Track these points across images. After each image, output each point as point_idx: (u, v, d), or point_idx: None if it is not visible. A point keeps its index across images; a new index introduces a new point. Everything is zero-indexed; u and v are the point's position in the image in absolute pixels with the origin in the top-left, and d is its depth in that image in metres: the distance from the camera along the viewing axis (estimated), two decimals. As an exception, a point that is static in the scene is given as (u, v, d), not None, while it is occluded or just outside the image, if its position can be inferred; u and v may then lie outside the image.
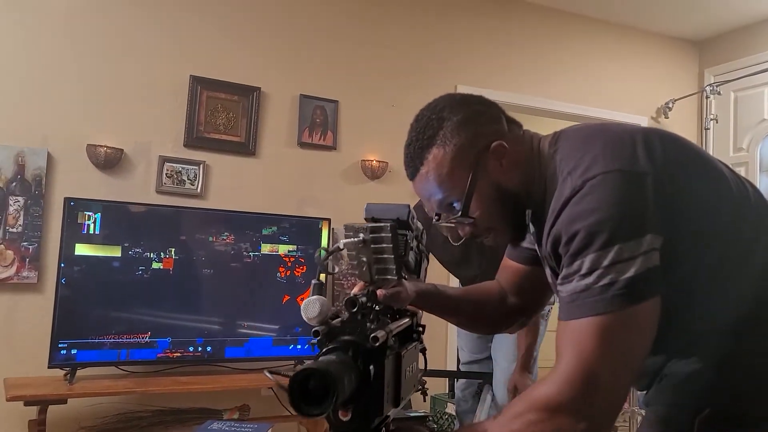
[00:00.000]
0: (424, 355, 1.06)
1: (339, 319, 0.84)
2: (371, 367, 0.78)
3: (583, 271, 0.80)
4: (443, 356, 3.56)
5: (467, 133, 0.96)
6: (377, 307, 0.85)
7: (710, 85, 4.40)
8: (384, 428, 0.89)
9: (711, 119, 4.41)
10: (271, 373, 0.67)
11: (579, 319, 0.80)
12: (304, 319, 0.81)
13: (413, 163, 0.99)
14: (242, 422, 1.66)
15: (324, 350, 0.77)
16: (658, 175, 0.84)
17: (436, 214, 1.04)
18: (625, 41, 4.41)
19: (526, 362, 2.27)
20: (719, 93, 4.34)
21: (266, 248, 3.04)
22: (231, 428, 1.57)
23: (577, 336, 0.80)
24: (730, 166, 0.99)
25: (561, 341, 0.82)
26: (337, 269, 0.90)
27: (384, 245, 0.86)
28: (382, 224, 0.86)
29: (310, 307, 0.81)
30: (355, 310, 0.82)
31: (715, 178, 0.92)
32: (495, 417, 0.88)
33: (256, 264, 3.01)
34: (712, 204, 0.89)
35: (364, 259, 0.87)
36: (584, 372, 0.78)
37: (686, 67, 4.62)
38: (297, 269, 3.09)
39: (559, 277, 0.87)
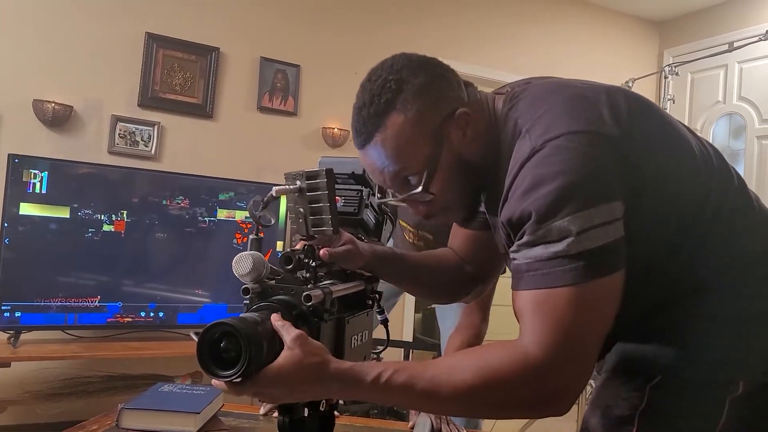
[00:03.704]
0: (386, 326, 0.99)
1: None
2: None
3: (551, 238, 0.74)
4: (400, 326, 3.58)
5: (430, 98, 0.87)
6: (314, 263, 0.77)
7: (669, 65, 4.45)
8: (325, 401, 0.83)
9: (668, 99, 4.47)
10: (196, 334, 0.61)
11: (550, 289, 0.75)
12: (236, 275, 0.73)
13: (365, 129, 0.88)
14: (193, 385, 1.63)
15: (250, 309, 0.70)
16: (624, 140, 0.80)
17: (380, 190, 0.95)
18: (588, 19, 4.42)
19: None
20: (677, 74, 4.39)
21: (222, 214, 2.98)
22: (181, 390, 1.54)
23: (551, 306, 0.74)
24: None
25: (527, 310, 0.76)
26: (273, 221, 0.81)
27: (320, 193, 0.78)
28: (318, 170, 0.78)
29: (242, 262, 0.73)
30: (290, 267, 0.75)
31: (678, 143, 0.88)
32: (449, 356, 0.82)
33: (212, 229, 2.95)
34: (675, 172, 0.85)
35: (302, 210, 0.79)
36: (566, 339, 0.74)
37: (647, 46, 4.67)
38: (254, 236, 3.05)
39: (519, 242, 0.79)
